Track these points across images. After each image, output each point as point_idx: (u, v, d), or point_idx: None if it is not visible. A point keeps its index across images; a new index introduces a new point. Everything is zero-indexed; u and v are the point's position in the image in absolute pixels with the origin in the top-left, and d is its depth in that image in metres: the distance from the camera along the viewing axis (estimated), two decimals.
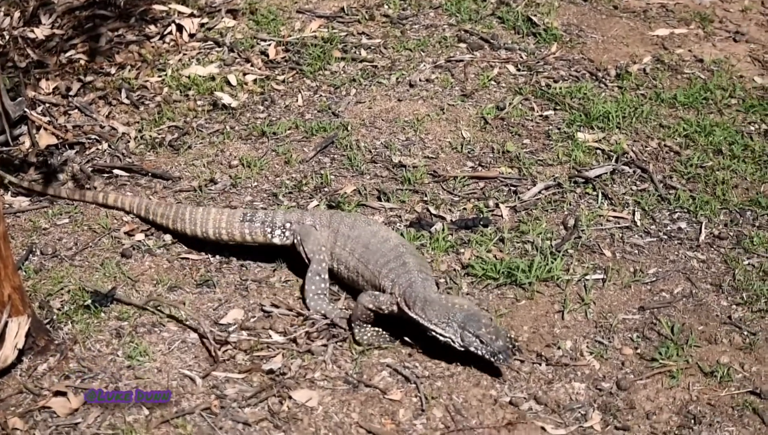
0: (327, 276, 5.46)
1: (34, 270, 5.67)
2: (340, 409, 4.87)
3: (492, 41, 7.72)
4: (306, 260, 5.52)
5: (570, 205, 6.20)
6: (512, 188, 6.33)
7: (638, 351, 5.24)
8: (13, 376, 4.96)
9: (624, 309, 5.49)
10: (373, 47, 7.68)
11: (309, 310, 5.37)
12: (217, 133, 6.84)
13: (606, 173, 6.45)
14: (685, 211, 6.17)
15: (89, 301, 5.38)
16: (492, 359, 4.91)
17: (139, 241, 5.89)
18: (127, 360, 5.07)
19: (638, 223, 6.06)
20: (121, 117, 7.02)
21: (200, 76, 7.32)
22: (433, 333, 5.02)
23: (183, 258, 5.79)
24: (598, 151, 6.64)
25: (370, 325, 5.23)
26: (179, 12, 7.97)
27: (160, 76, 7.36)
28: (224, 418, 4.79)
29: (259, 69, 7.45)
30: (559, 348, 5.24)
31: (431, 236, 5.89)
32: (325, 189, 6.28)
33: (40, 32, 7.73)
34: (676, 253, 5.87)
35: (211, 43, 7.72)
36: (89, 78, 7.35)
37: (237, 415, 4.81)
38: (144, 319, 5.33)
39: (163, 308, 5.35)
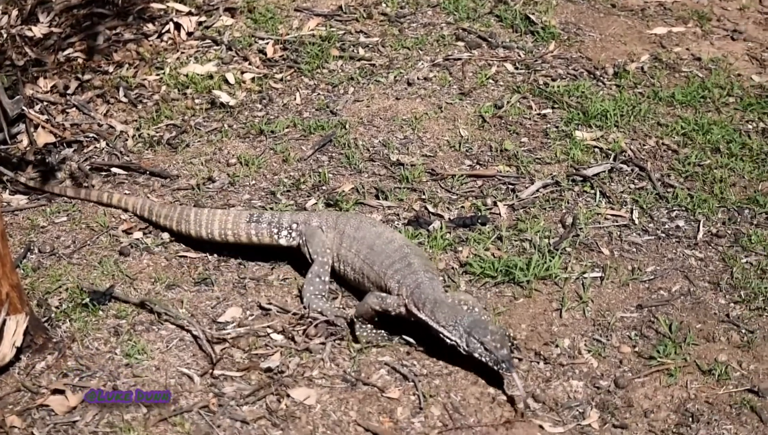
0: (327, 278, 5.45)
1: (32, 268, 5.66)
2: (338, 407, 4.87)
3: (490, 39, 7.72)
4: (310, 261, 5.52)
5: (568, 203, 6.21)
6: (510, 186, 6.33)
7: (636, 349, 5.24)
8: (11, 374, 4.96)
9: (622, 307, 5.50)
10: (371, 46, 7.69)
11: (306, 308, 5.37)
12: (215, 131, 6.84)
13: (604, 171, 6.45)
14: (683, 209, 6.17)
15: (87, 299, 5.38)
16: (495, 367, 4.89)
17: (137, 239, 5.89)
18: (125, 358, 5.07)
19: (636, 222, 6.07)
20: (119, 115, 7.02)
21: (198, 75, 7.31)
22: (441, 335, 5.02)
23: (181, 256, 5.79)
24: (596, 150, 6.65)
25: (371, 325, 5.23)
26: (177, 10, 7.97)
27: (158, 75, 7.36)
28: (222, 416, 4.79)
29: (257, 67, 7.45)
30: (557, 346, 5.24)
31: (429, 234, 5.89)
32: (323, 187, 6.28)
33: (38, 30, 7.73)
34: (674, 251, 5.87)
35: (209, 41, 7.72)
36: (87, 76, 7.35)
37: (235, 414, 4.81)
38: (142, 317, 5.32)
39: (160, 309, 5.34)
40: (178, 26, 7.80)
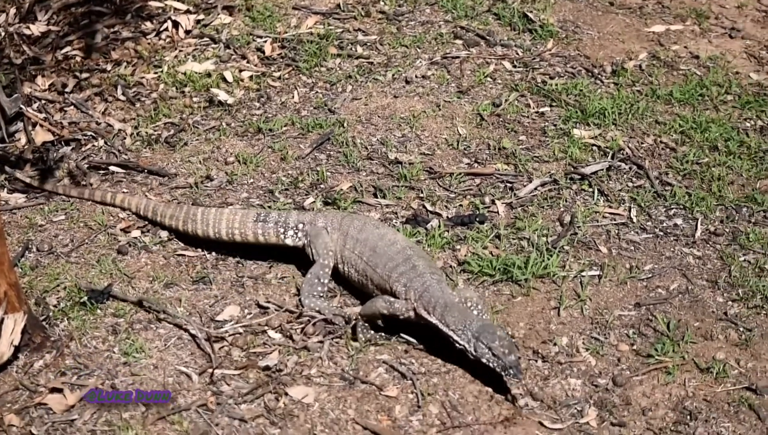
0: (327, 280, 5.44)
1: (30, 267, 5.66)
2: (336, 405, 4.87)
3: (488, 38, 7.72)
4: (312, 261, 5.51)
5: (566, 201, 6.21)
6: (508, 185, 6.33)
7: (634, 347, 5.25)
8: (9, 372, 4.96)
9: (620, 305, 5.50)
10: (369, 44, 7.68)
11: (303, 307, 5.37)
12: (213, 129, 6.84)
13: (602, 170, 6.45)
14: (681, 207, 6.18)
15: (85, 298, 5.38)
16: (503, 373, 4.87)
17: (136, 237, 5.88)
18: (124, 357, 5.07)
19: (634, 220, 6.07)
20: (117, 114, 7.01)
21: (196, 73, 7.31)
22: (451, 339, 5.00)
23: (179, 255, 5.79)
24: (594, 148, 6.65)
25: (373, 329, 5.23)
26: (175, 8, 7.96)
27: (156, 73, 7.36)
28: (220, 414, 4.79)
29: (255, 65, 7.45)
30: (555, 344, 5.25)
31: (427, 233, 5.89)
32: (322, 186, 6.28)
33: (36, 29, 7.72)
34: (672, 249, 5.87)
35: (207, 39, 7.72)
36: (85, 75, 7.34)
37: (233, 412, 4.81)
38: (140, 316, 5.32)
39: (157, 308, 5.34)
40: (176, 24, 7.80)
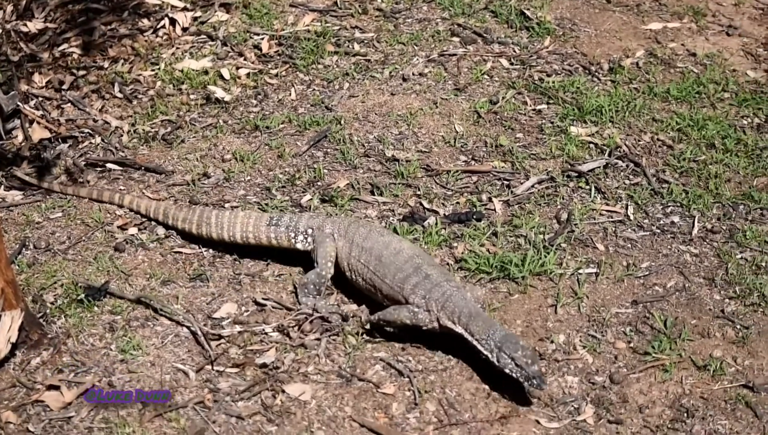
0: (323, 289, 5.41)
1: (27, 264, 5.66)
2: (333, 402, 4.88)
3: (485, 35, 7.72)
4: (315, 266, 5.50)
5: (563, 199, 6.21)
6: (505, 182, 6.34)
7: (631, 345, 5.25)
8: (6, 370, 4.96)
9: (617, 303, 5.50)
10: (366, 41, 7.68)
11: (300, 305, 5.37)
12: (210, 127, 6.83)
13: (599, 167, 6.45)
14: (678, 205, 6.18)
15: (82, 295, 5.38)
16: (526, 383, 4.85)
17: (133, 235, 5.88)
18: (121, 354, 5.07)
19: (631, 217, 6.07)
20: (114, 111, 7.01)
21: (193, 70, 7.31)
22: (476, 349, 4.97)
23: (176, 252, 5.78)
24: (591, 145, 6.65)
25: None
26: (172, 6, 7.95)
27: (153, 70, 7.35)
28: (217, 411, 4.79)
29: (252, 63, 7.44)
30: (552, 342, 5.25)
31: (424, 230, 5.89)
32: (318, 183, 6.28)
33: (33, 26, 7.71)
34: (669, 247, 5.88)
35: (204, 36, 7.71)
36: (82, 72, 7.34)
37: (230, 409, 4.81)
38: (137, 313, 5.32)
39: (155, 305, 5.34)
40: (173, 21, 7.79)
